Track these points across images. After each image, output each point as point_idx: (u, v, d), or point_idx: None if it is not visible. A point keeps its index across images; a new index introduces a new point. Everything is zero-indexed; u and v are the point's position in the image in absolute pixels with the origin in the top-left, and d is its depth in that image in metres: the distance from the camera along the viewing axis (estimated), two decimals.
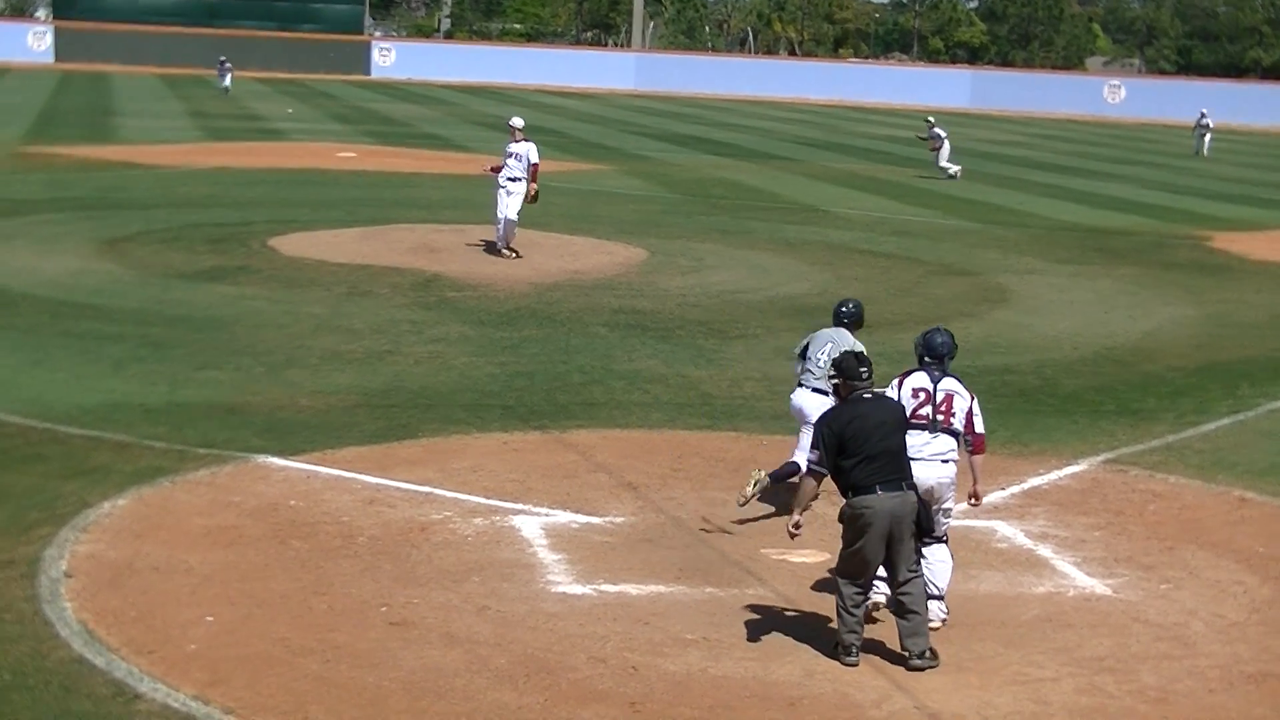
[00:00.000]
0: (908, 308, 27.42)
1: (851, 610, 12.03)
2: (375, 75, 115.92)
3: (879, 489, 11.87)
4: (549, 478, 16.57)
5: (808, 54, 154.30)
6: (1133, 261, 35.79)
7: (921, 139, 55.82)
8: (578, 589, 13.38)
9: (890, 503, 11.88)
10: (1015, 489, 17.01)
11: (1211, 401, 21.97)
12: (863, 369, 12.25)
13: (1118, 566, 14.57)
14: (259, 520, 14.76)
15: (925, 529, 12.15)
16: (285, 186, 43.22)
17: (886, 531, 11.90)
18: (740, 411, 20.12)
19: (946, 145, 53.93)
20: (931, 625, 12.42)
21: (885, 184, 51.92)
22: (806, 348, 15.89)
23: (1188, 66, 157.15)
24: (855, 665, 11.95)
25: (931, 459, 12.82)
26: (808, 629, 12.63)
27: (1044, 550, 15.04)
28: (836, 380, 12.46)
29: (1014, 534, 15.49)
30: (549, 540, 14.59)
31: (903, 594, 12.05)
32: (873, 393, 12.30)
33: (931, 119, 56.43)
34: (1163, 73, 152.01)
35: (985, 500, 15.82)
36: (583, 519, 15.26)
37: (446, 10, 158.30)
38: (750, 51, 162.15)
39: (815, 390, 15.52)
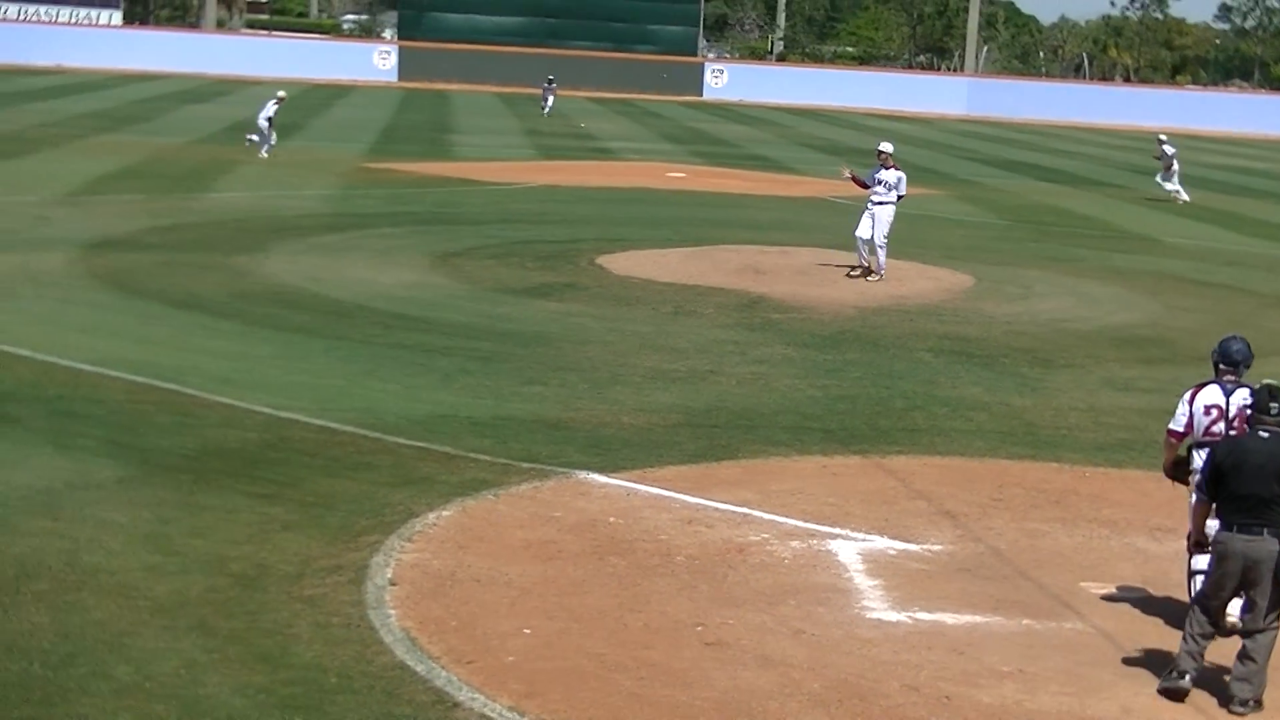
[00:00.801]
0: None
1: (1195, 638, 11.78)
2: (707, 96, 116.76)
3: (1236, 529, 11.65)
4: (867, 503, 16.50)
5: (1144, 80, 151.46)
6: None
7: (1156, 159, 54.11)
8: (893, 616, 13.30)
9: (1243, 545, 11.61)
10: None
11: None
12: (1273, 404, 11.92)
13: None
14: (578, 536, 14.95)
15: None
16: (615, 205, 43.78)
17: (1238, 572, 11.64)
18: (1064, 442, 19.79)
19: (1176, 165, 52.59)
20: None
21: (1220, 213, 50.66)
22: None
23: None
24: (1181, 688, 11.68)
25: None
26: (1126, 665, 12.38)
27: None
28: (1249, 410, 12.23)
29: None
30: (865, 566, 14.52)
31: (1249, 639, 11.74)
32: (1272, 432, 11.91)
33: (1163, 136, 54.86)
34: None
35: None
36: (900, 545, 15.16)
37: (780, 33, 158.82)
38: (1085, 77, 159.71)
39: None
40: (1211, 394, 13.08)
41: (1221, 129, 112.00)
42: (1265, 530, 11.59)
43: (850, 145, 74.85)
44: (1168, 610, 13.64)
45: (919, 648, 12.57)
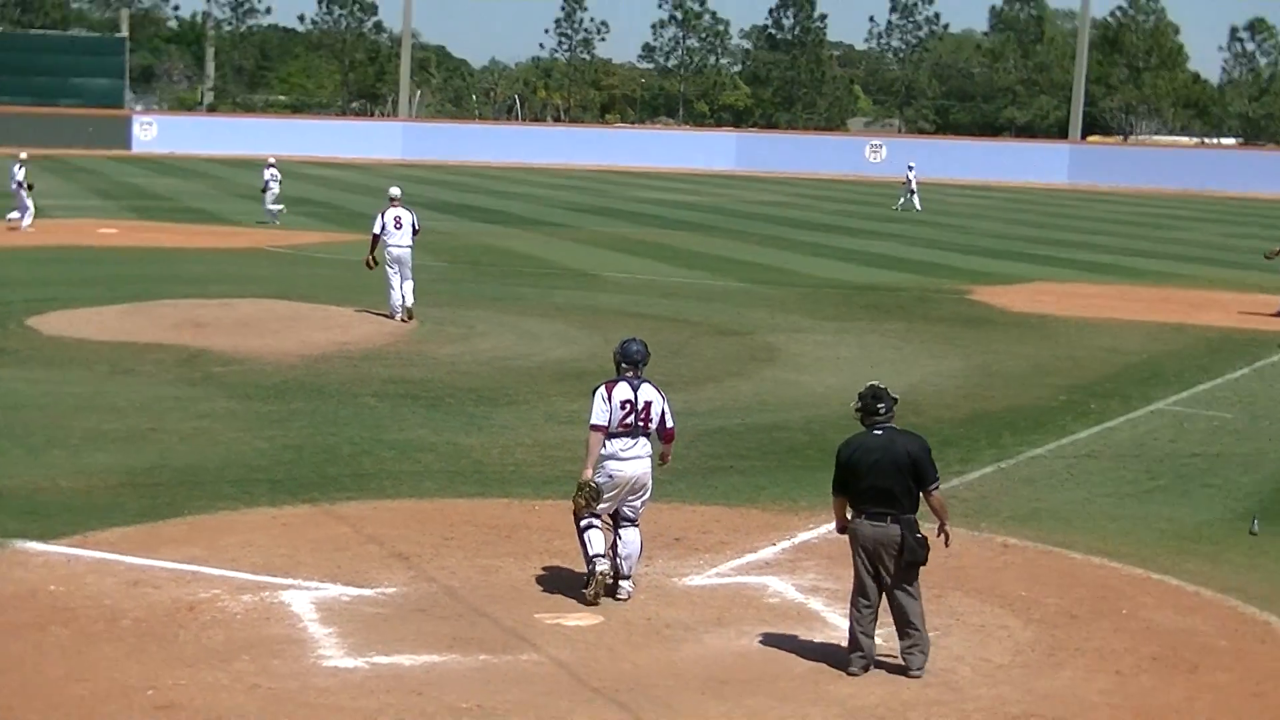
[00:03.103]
0: (677, 368, 27.52)
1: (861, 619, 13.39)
2: (136, 150, 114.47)
3: (865, 518, 13.28)
4: (319, 551, 16.36)
5: (575, 120, 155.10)
6: (898, 317, 36.41)
7: None
8: (350, 662, 13.20)
9: (871, 530, 13.22)
10: (786, 544, 17.13)
11: (976, 451, 22.36)
12: (879, 404, 13.38)
13: (886, 615, 14.64)
14: (18, 607, 14.36)
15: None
16: (44, 264, 42.41)
17: (868, 552, 13.26)
18: (512, 478, 20.05)
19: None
20: (619, 597, 14.75)
21: (655, 247, 52.28)
22: None
23: (945, 126, 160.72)
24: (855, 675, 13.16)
25: (636, 458, 14.87)
26: (583, 692, 12.58)
27: (815, 603, 15.14)
28: (858, 411, 13.56)
29: (785, 589, 15.58)
30: (320, 614, 14.39)
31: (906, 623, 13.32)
32: (885, 429, 13.36)
33: None
34: (922, 132, 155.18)
35: (757, 555, 16.50)
36: (354, 591, 15.08)
37: (209, 83, 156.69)
38: (518, 119, 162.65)
39: None
40: (623, 391, 14.81)
41: (651, 165, 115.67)
42: (888, 518, 13.07)
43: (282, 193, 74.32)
44: (620, 635, 13.95)
45: (377, 691, 12.52)
